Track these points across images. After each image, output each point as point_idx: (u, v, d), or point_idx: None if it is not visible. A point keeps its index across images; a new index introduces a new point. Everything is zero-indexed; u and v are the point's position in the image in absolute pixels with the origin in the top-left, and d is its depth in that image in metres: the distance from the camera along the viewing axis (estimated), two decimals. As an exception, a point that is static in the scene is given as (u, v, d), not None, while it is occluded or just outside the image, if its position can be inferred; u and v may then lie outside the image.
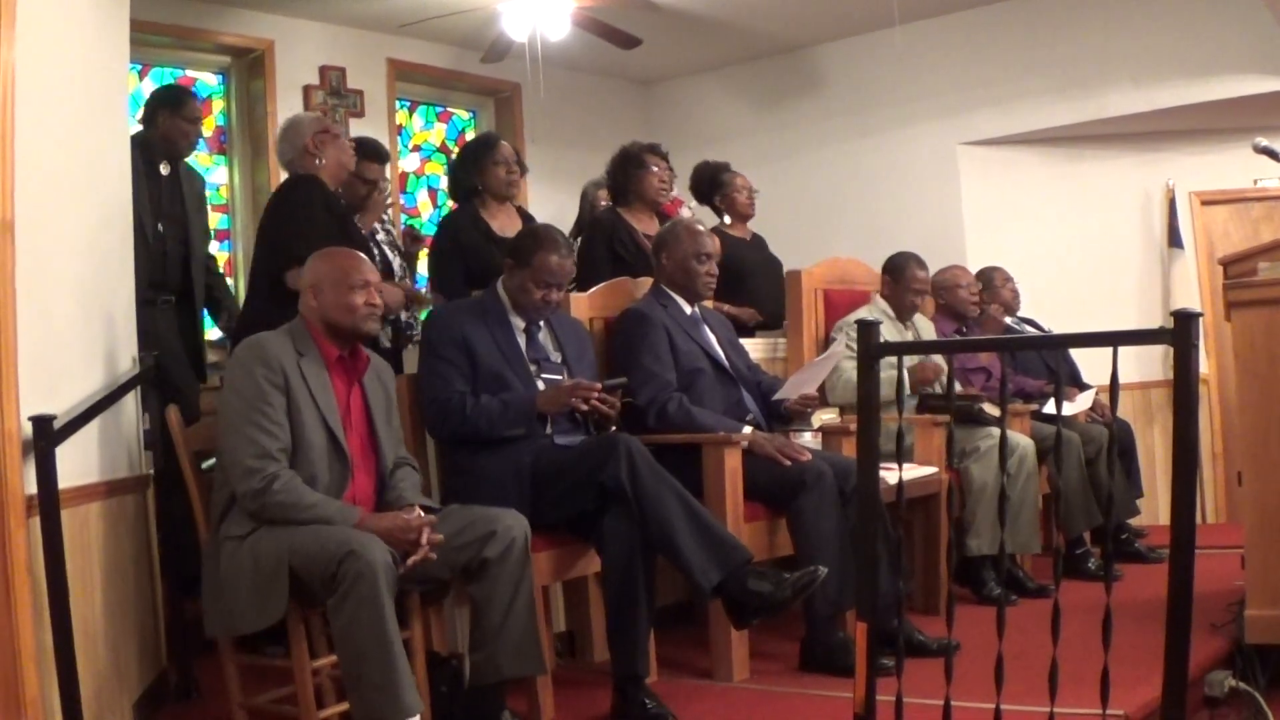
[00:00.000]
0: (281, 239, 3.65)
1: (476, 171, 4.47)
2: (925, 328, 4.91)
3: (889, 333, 4.68)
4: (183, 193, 4.37)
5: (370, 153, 4.66)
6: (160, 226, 4.23)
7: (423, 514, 2.83)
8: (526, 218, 4.61)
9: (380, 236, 4.66)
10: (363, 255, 3.09)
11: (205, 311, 4.72)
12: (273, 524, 2.73)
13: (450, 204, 6.34)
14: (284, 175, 4.08)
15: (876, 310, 4.73)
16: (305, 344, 2.92)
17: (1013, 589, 4.36)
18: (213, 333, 4.91)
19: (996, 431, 4.28)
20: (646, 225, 4.72)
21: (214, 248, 5.90)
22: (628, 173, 4.74)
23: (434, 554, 2.76)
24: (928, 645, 3.52)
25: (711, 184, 5.36)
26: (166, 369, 3.94)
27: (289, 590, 2.66)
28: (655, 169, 4.74)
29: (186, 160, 4.56)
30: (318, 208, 3.74)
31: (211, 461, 2.98)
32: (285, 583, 2.65)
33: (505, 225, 4.40)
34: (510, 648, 2.85)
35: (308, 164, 3.89)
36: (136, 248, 3.82)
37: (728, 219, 5.32)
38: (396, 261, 4.70)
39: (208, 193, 5.02)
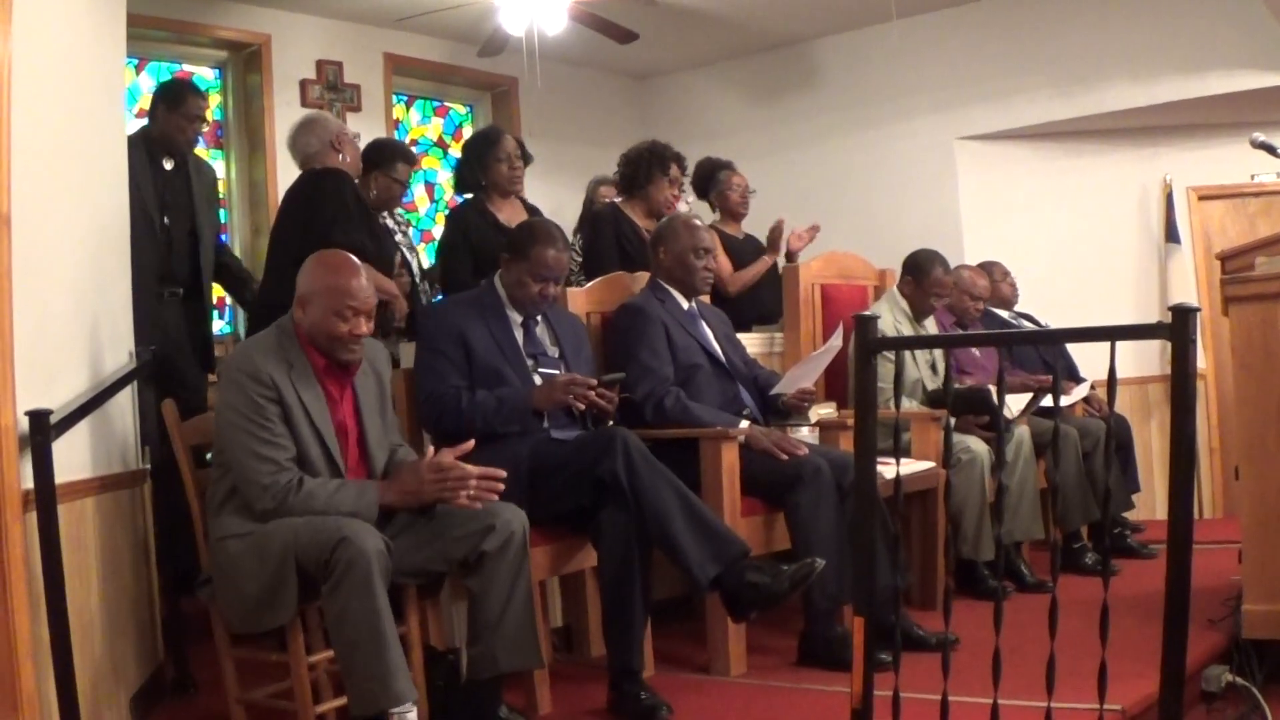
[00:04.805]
0: (318, 225, 3.69)
1: (480, 167, 4.47)
2: (932, 325, 4.87)
3: (907, 330, 4.66)
4: (190, 186, 4.35)
5: (405, 155, 4.73)
6: (166, 220, 4.22)
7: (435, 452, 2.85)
8: (531, 210, 4.60)
9: (399, 239, 4.69)
10: (363, 277, 2.88)
11: (229, 295, 4.79)
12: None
13: (448, 199, 6.34)
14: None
15: (895, 306, 4.71)
16: (293, 352, 2.85)
17: (1014, 581, 4.36)
18: (218, 324, 4.93)
19: (973, 443, 4.29)
20: (648, 224, 4.72)
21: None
22: (649, 170, 4.75)
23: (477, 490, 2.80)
24: (926, 640, 3.52)
25: (709, 180, 5.36)
26: (172, 361, 3.96)
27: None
28: (671, 179, 4.77)
29: (196, 153, 4.55)
30: (350, 200, 3.82)
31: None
32: (294, 583, 2.65)
33: (511, 217, 4.40)
34: (507, 642, 2.85)
35: (331, 159, 3.97)
36: (144, 240, 3.83)
37: (719, 215, 5.31)
38: (414, 260, 4.74)
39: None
